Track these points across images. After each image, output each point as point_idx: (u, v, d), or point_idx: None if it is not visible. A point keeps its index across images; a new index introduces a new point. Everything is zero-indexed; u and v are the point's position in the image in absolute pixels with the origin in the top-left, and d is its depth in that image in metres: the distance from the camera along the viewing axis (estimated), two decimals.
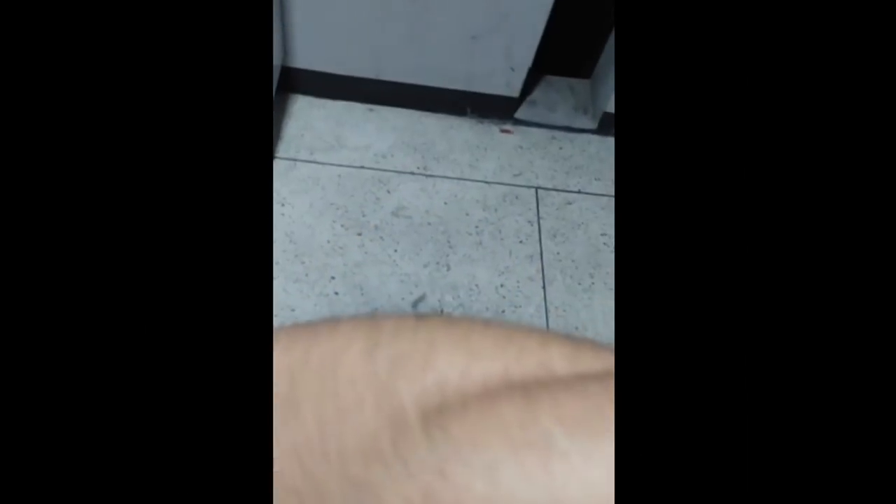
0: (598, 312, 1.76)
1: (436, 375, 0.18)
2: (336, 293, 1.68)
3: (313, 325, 0.21)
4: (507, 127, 2.16)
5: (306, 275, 1.70)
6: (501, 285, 1.77)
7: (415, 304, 1.53)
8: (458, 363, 0.18)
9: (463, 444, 0.16)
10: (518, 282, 1.79)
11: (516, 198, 1.98)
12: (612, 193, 2.05)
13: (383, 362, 0.18)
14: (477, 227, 1.89)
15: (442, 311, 1.59)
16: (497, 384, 0.17)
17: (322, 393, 0.18)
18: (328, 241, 1.78)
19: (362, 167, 1.96)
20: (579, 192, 2.04)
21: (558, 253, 1.87)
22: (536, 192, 2.01)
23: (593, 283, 1.82)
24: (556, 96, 2.25)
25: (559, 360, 0.18)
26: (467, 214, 1.91)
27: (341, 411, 0.18)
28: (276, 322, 0.27)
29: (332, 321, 0.21)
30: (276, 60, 1.87)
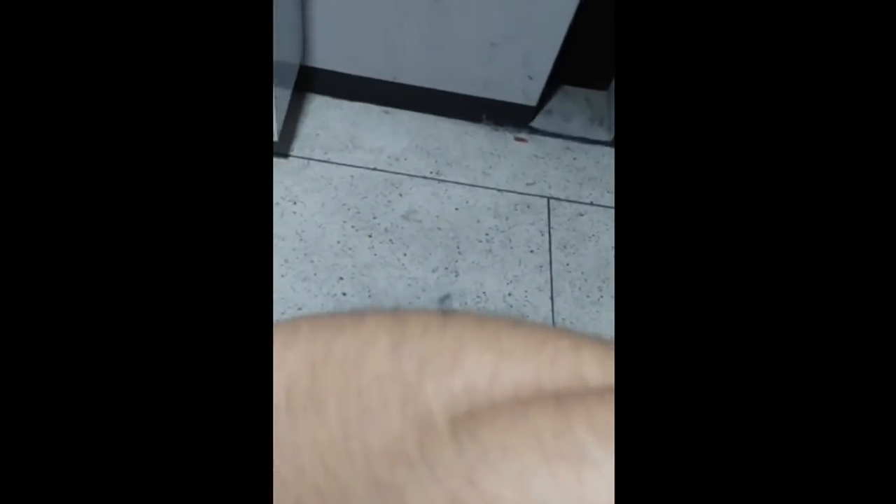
0: (605, 326, 1.74)
1: (464, 376, 0.17)
2: (344, 294, 1.68)
3: (337, 317, 0.20)
4: (522, 135, 2.16)
5: (315, 274, 1.70)
6: (509, 294, 1.76)
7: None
8: (487, 364, 0.17)
9: (492, 451, 0.15)
10: (526, 291, 1.78)
11: (528, 207, 1.97)
12: None
13: (410, 360, 0.18)
14: (487, 234, 1.88)
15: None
16: (528, 391, 0.17)
17: (346, 389, 0.18)
18: (338, 242, 1.77)
19: (375, 169, 1.96)
20: (591, 203, 2.03)
21: (568, 264, 1.86)
22: (548, 202, 2.00)
23: (602, 297, 1.81)
24: (573, 107, 2.25)
25: (591, 365, 0.17)
26: (478, 221, 1.90)
27: (366, 410, 0.17)
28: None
29: (357, 314, 0.20)
30: (295, 59, 1.88)
